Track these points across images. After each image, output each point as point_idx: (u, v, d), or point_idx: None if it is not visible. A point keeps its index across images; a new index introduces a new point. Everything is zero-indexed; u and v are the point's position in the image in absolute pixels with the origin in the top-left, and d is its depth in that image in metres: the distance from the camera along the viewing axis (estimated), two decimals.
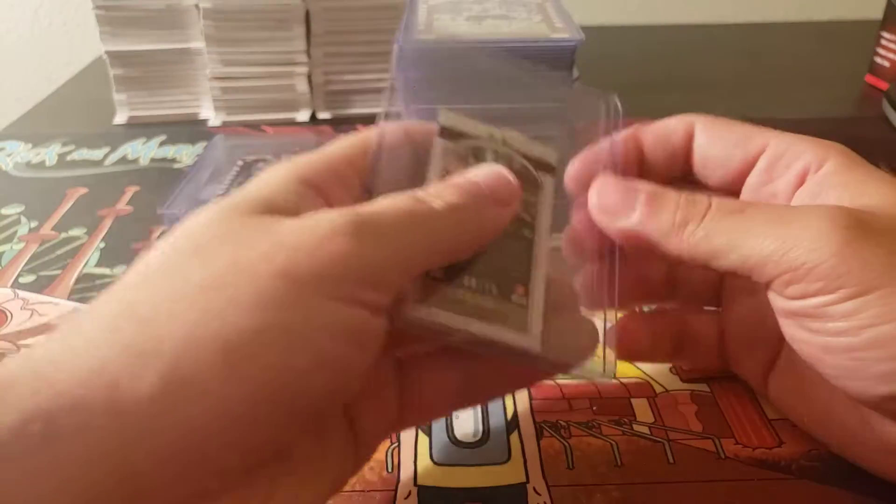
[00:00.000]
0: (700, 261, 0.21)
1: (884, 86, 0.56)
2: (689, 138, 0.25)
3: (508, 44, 0.34)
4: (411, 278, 0.18)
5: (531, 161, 0.23)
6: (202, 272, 0.16)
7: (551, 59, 0.34)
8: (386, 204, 0.18)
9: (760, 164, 0.24)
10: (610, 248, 0.23)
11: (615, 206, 0.22)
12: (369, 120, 0.53)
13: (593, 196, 0.23)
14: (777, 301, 0.21)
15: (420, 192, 0.19)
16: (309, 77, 0.53)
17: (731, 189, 0.25)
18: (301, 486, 0.18)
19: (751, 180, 0.24)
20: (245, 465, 0.16)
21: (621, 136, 0.25)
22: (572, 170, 0.24)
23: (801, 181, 0.23)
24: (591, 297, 0.23)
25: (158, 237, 0.21)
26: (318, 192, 0.19)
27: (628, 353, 0.26)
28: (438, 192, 0.19)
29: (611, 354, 0.22)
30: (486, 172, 0.21)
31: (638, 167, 0.25)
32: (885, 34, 0.57)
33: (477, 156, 0.23)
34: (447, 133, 0.23)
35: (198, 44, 0.51)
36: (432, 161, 0.22)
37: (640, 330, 0.26)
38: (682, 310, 0.27)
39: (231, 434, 0.15)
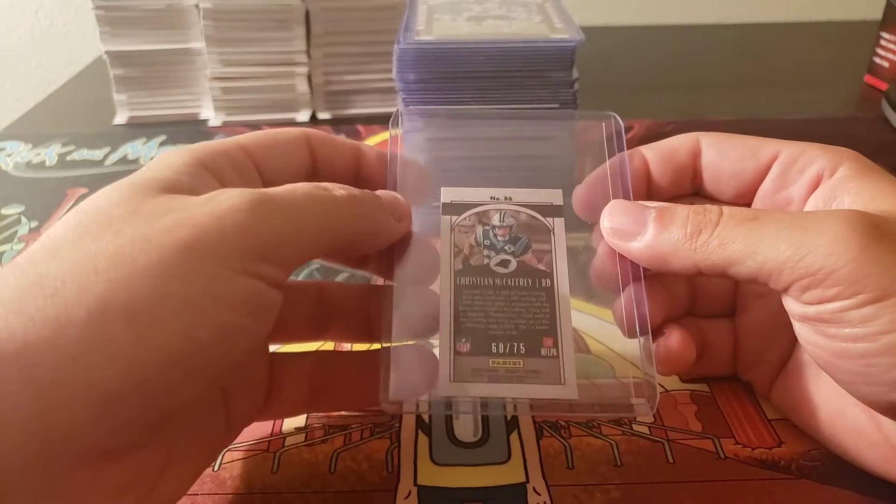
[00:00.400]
0: (716, 270, 0.21)
1: (883, 86, 0.56)
2: (695, 155, 0.25)
3: (508, 44, 0.34)
4: (308, 255, 0.20)
5: (538, 209, 0.24)
6: (109, 245, 0.16)
7: (551, 59, 0.34)
8: (288, 187, 0.19)
9: (773, 172, 0.24)
10: (634, 274, 0.23)
11: (627, 227, 0.23)
12: (369, 120, 0.53)
13: (605, 221, 0.23)
14: (792, 306, 0.21)
15: (323, 183, 0.20)
16: (309, 77, 0.53)
17: (745, 202, 0.25)
18: (195, 453, 0.20)
19: (764, 188, 0.24)
20: (151, 424, 0.17)
21: (629, 157, 0.25)
22: (580, 195, 0.25)
23: (815, 186, 0.23)
24: (627, 325, 0.23)
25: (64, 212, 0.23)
26: (214, 174, 0.20)
27: (676, 367, 0.24)
28: (341, 185, 0.21)
29: (650, 387, 0.22)
30: (385, 192, 0.23)
31: (645, 188, 0.25)
32: (885, 34, 0.57)
33: (482, 220, 0.24)
34: (451, 208, 0.24)
35: (198, 44, 0.51)
36: (442, 238, 0.24)
37: (682, 342, 0.24)
38: (699, 321, 0.27)
39: (139, 395, 0.16)
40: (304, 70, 0.52)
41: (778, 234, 0.20)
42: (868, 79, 0.59)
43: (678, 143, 0.25)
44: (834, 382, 0.22)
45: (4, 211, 0.42)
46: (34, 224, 0.40)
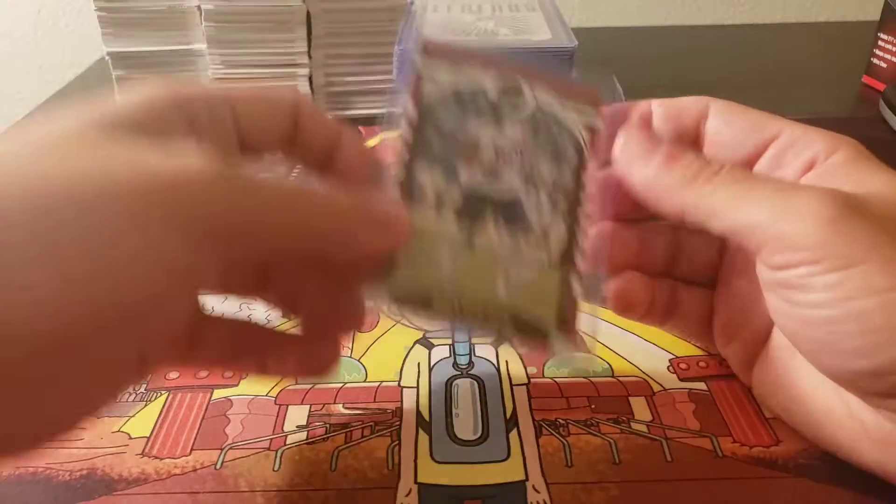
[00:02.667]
0: (698, 218, 0.22)
1: (881, 87, 0.56)
2: (701, 119, 0.25)
3: (504, 50, 0.34)
4: (259, 249, 0.18)
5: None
6: (58, 181, 0.15)
7: (550, 62, 0.34)
8: (268, 176, 0.18)
9: (771, 151, 0.24)
10: (605, 214, 0.24)
11: (636, 153, 0.24)
12: (370, 121, 0.53)
13: (619, 141, 0.24)
14: (763, 272, 0.22)
15: (315, 186, 0.19)
16: (310, 78, 0.53)
17: None
18: (96, 390, 0.17)
19: (760, 165, 0.24)
20: (39, 367, 0.15)
21: (631, 105, 0.26)
22: None
23: (808, 169, 0.23)
24: (589, 258, 0.23)
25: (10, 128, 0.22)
26: (189, 123, 0.19)
27: (624, 306, 0.26)
28: (329, 193, 0.19)
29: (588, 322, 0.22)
30: (387, 204, 0.21)
31: None
32: (883, 35, 0.57)
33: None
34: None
35: (200, 45, 0.51)
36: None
37: (639, 288, 0.26)
38: (676, 282, 0.28)
39: (63, 335, 0.14)
40: (305, 71, 0.52)
41: (762, 196, 0.21)
42: (866, 79, 0.59)
43: (688, 104, 0.26)
44: (807, 363, 0.22)
45: None
46: None
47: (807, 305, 0.20)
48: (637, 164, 0.23)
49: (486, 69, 0.22)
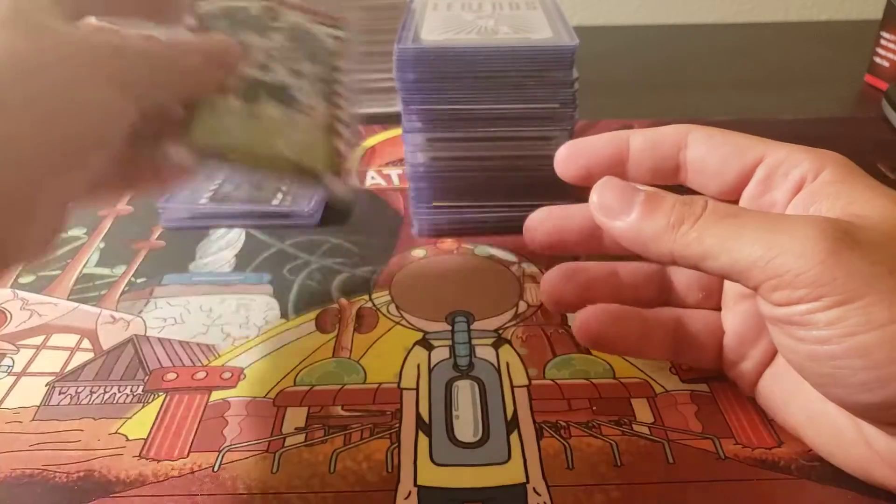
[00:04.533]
0: (690, 262, 0.22)
1: (883, 86, 0.56)
2: (680, 148, 0.25)
3: (507, 48, 0.34)
4: (160, 95, 0.23)
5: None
6: (32, 50, 0.19)
7: (551, 61, 0.34)
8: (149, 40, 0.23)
9: (758, 174, 0.24)
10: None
11: (614, 206, 0.23)
12: (369, 120, 0.53)
13: (594, 196, 0.24)
14: (765, 307, 0.21)
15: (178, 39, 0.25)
16: None
17: (729, 199, 0.24)
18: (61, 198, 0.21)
19: (749, 190, 0.24)
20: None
21: (612, 134, 0.26)
22: (562, 155, 0.26)
23: (797, 190, 0.23)
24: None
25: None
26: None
27: (586, 338, 0.27)
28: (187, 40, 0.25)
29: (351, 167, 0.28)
30: (219, 38, 0.26)
31: (620, 169, 0.25)
32: (885, 34, 0.57)
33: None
34: None
35: None
36: None
37: (604, 321, 0.26)
38: (679, 309, 0.28)
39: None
40: None
41: (753, 233, 0.20)
42: (868, 78, 0.59)
43: (666, 134, 0.25)
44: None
45: None
46: None
47: (811, 341, 0.20)
48: (616, 216, 0.23)
49: None
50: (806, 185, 0.23)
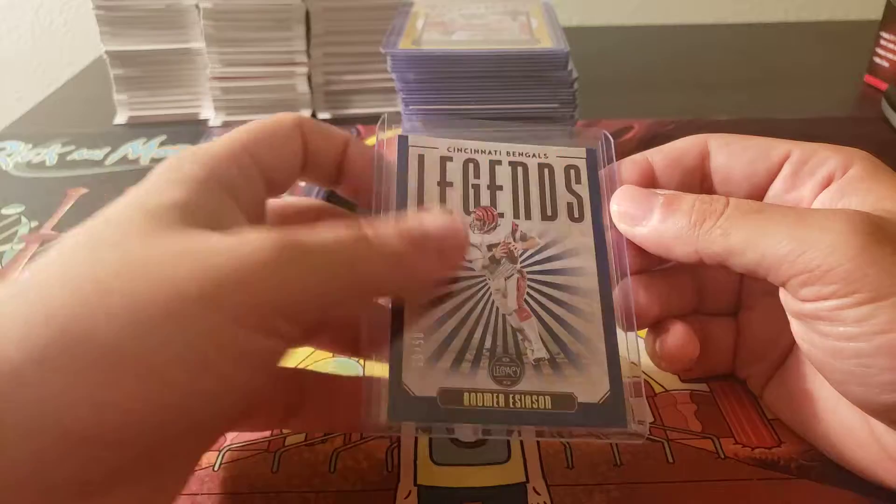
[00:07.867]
0: (717, 259, 0.21)
1: (883, 86, 0.56)
2: (703, 158, 0.25)
3: (495, 55, 0.34)
4: (332, 311, 0.19)
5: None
6: (125, 287, 0.15)
7: (545, 64, 0.34)
8: (325, 236, 0.18)
9: (785, 171, 0.23)
10: (623, 269, 0.23)
11: (634, 212, 0.23)
12: (369, 120, 0.53)
13: (613, 204, 0.24)
14: (790, 302, 0.21)
15: (366, 229, 0.19)
16: (309, 77, 0.53)
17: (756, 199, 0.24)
18: (171, 483, 0.18)
19: (775, 187, 0.24)
20: (127, 465, 0.16)
21: (631, 159, 0.25)
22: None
23: (825, 186, 0.23)
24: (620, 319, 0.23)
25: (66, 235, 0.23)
26: (227, 189, 0.19)
27: (681, 360, 0.24)
28: (383, 235, 0.19)
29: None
30: (440, 222, 0.20)
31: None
32: (885, 34, 0.57)
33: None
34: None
35: (198, 44, 0.51)
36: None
37: (688, 336, 0.24)
38: (704, 317, 0.27)
39: (115, 438, 0.15)
40: (304, 70, 0.52)
41: (780, 228, 0.20)
42: (868, 78, 0.59)
43: (686, 146, 0.25)
44: (829, 387, 0.22)
45: (5, 211, 0.42)
46: (34, 224, 0.40)
47: (836, 337, 0.20)
48: (638, 222, 0.23)
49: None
50: (834, 181, 0.22)
